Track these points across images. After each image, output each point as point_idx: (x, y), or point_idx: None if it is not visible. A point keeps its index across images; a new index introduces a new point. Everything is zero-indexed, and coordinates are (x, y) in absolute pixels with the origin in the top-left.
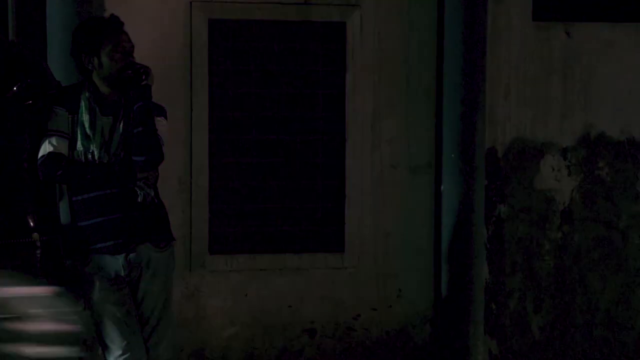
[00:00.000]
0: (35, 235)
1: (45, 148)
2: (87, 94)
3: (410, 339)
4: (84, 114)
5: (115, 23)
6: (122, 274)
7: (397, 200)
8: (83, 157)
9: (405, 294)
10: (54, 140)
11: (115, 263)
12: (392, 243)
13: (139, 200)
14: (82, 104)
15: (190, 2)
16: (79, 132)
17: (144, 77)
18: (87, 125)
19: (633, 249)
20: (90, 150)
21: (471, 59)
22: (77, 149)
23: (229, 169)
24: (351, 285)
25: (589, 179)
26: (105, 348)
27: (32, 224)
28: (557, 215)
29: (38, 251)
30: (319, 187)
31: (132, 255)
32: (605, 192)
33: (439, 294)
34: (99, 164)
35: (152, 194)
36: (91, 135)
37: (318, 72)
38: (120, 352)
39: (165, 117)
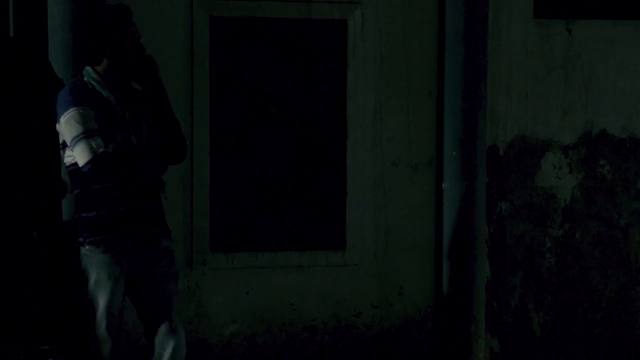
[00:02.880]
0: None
1: (89, 150)
2: (101, 85)
3: (412, 337)
4: (111, 107)
5: (126, 11)
6: (151, 263)
7: (399, 198)
8: (122, 148)
9: (406, 292)
10: (92, 141)
11: (121, 255)
12: (393, 240)
13: (163, 190)
14: (103, 96)
15: (192, 0)
16: (110, 124)
17: (157, 65)
18: (116, 116)
19: (634, 247)
20: (129, 140)
21: (472, 56)
22: (117, 141)
23: (230, 166)
24: (352, 283)
25: (590, 177)
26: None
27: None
28: (558, 212)
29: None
30: (320, 185)
31: (165, 241)
32: (607, 189)
33: (440, 292)
34: (139, 152)
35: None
36: (124, 125)
37: (319, 70)
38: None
39: None
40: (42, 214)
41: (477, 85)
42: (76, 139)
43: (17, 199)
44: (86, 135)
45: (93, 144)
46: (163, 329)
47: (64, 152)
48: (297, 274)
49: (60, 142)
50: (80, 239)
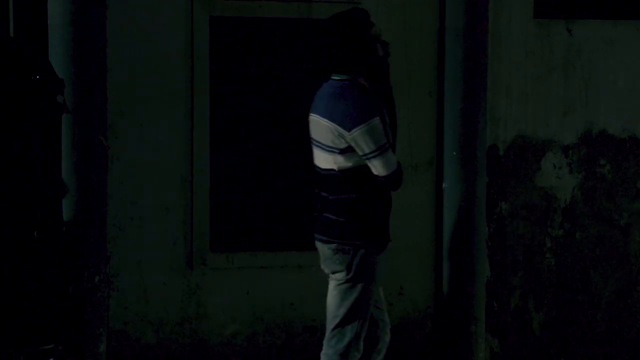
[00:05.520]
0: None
1: (393, 161)
2: (368, 90)
3: (412, 337)
4: (384, 114)
5: (368, 14)
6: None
7: (399, 197)
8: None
9: (406, 292)
10: (391, 152)
11: (384, 256)
12: (393, 241)
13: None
14: (378, 103)
15: (192, 0)
16: (387, 132)
17: (389, 66)
18: (388, 122)
19: (634, 246)
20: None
21: (472, 56)
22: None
23: (230, 167)
24: None
25: (590, 177)
26: (350, 319)
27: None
28: (558, 212)
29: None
30: None
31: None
32: (607, 189)
33: (440, 292)
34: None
35: None
36: (389, 131)
37: (319, 70)
38: (366, 317)
39: None
40: (42, 214)
41: (477, 85)
42: (378, 150)
43: (18, 199)
44: (387, 146)
45: (391, 155)
46: (385, 317)
47: (338, 156)
48: (297, 274)
49: (342, 147)
50: (358, 242)
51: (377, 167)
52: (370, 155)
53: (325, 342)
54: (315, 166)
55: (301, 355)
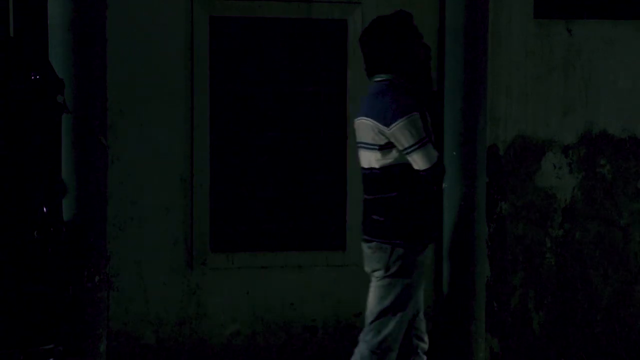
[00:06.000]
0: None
1: (432, 155)
2: (409, 90)
3: None
4: (425, 113)
5: (412, 17)
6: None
7: None
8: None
9: None
10: (430, 146)
11: (428, 254)
12: None
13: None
14: (418, 102)
15: (192, 0)
16: (427, 128)
17: (430, 69)
18: (429, 121)
19: (634, 246)
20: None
21: (472, 56)
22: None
23: (230, 167)
24: (352, 283)
25: (590, 177)
26: (390, 314)
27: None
28: (558, 212)
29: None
30: (321, 185)
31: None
32: (607, 189)
33: (440, 292)
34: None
35: None
36: (431, 130)
37: (319, 70)
38: (403, 317)
39: None
40: (42, 214)
41: (477, 85)
42: (418, 144)
43: (18, 199)
44: (427, 140)
45: (432, 149)
46: (421, 315)
47: (377, 153)
48: (297, 274)
49: (382, 143)
50: (396, 241)
51: (417, 162)
52: (410, 149)
53: (360, 337)
54: (360, 169)
55: (301, 355)
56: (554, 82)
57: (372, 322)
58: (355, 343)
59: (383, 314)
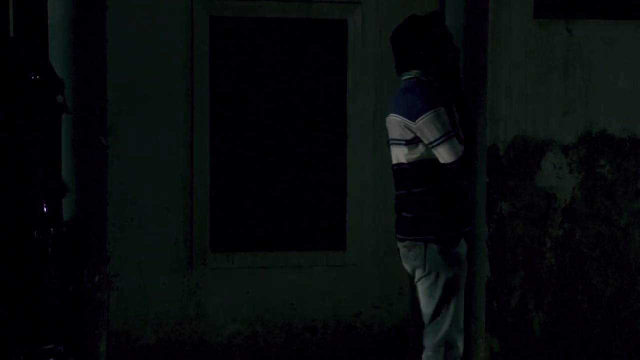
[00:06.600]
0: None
1: (457, 148)
2: (436, 87)
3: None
4: (452, 109)
5: (443, 17)
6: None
7: None
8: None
9: (406, 292)
10: (455, 140)
11: (464, 246)
12: (393, 240)
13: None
14: (445, 97)
15: (192, 0)
16: (454, 123)
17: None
18: (456, 117)
19: (634, 246)
20: (463, 140)
21: (472, 56)
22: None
23: (230, 167)
24: (352, 283)
25: (590, 177)
26: (443, 309)
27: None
28: (558, 212)
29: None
30: (321, 185)
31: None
32: (607, 189)
33: None
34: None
35: None
36: (459, 126)
37: (319, 70)
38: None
39: None
40: (42, 214)
41: (477, 85)
42: (444, 137)
43: (18, 199)
44: (452, 133)
45: (457, 143)
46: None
47: (404, 148)
48: (297, 274)
49: (409, 138)
50: (428, 237)
51: (442, 155)
52: (436, 143)
53: (423, 342)
54: (391, 167)
55: (301, 355)
56: (554, 82)
57: (427, 324)
58: (355, 343)
59: (435, 315)
